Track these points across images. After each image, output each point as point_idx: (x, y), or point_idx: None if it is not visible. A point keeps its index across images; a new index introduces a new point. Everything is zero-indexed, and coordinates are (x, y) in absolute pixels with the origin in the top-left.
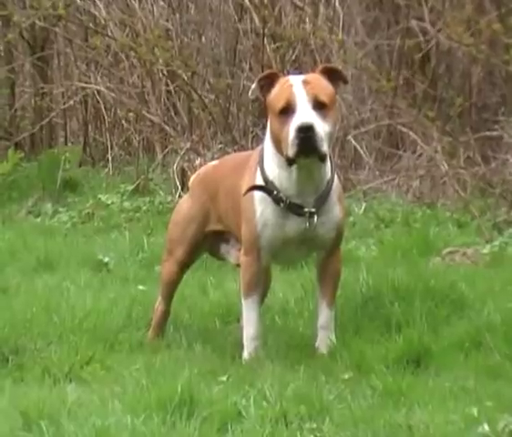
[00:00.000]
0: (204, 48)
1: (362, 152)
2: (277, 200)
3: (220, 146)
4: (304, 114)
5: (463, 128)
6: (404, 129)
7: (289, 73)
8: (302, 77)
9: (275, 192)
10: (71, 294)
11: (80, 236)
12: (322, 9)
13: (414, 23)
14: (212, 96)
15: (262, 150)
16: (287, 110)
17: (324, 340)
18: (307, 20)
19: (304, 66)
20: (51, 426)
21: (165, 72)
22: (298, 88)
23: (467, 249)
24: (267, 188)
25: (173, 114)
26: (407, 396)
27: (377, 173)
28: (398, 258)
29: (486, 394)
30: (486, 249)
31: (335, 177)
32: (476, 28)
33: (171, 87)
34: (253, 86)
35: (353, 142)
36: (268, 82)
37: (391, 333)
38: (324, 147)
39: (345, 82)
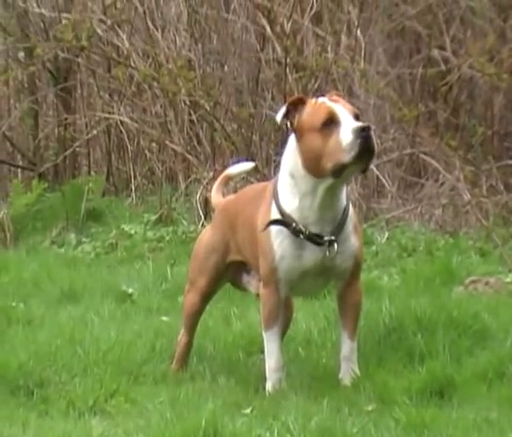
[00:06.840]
0: (226, 78)
1: (384, 181)
2: (296, 232)
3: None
4: (354, 120)
5: (485, 157)
6: (427, 158)
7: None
8: (327, 98)
9: (294, 224)
10: (95, 326)
11: (104, 266)
12: (343, 38)
13: (435, 52)
14: (235, 126)
15: (277, 182)
16: (331, 122)
17: (347, 371)
18: (329, 49)
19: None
20: None
21: (187, 102)
22: (332, 104)
23: (490, 278)
24: (285, 221)
25: (196, 143)
26: (431, 428)
27: (400, 202)
28: (421, 287)
29: (510, 426)
30: (509, 278)
31: (350, 205)
32: (498, 57)
33: (194, 117)
34: (283, 109)
35: (376, 171)
36: (295, 107)
37: (414, 364)
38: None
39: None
